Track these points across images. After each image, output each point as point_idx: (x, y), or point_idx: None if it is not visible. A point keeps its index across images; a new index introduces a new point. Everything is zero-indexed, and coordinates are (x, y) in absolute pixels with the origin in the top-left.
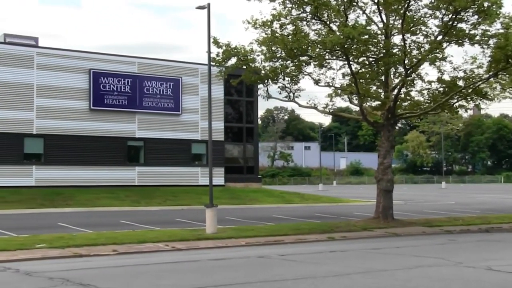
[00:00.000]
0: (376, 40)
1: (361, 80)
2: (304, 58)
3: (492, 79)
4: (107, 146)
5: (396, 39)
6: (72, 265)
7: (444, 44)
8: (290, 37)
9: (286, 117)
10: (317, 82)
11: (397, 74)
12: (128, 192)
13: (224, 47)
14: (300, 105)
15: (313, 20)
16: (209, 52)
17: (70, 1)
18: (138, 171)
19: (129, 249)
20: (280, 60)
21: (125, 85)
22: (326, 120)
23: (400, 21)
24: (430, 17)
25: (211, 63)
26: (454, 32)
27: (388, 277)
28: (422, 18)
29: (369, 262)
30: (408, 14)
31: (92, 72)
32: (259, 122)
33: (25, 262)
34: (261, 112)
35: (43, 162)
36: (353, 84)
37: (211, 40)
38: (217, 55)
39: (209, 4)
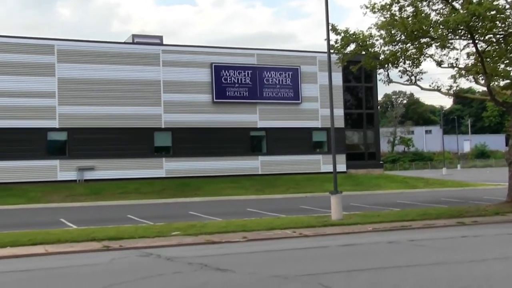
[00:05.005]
0: (504, 16)
1: (488, 59)
2: (425, 39)
3: None
4: (230, 137)
5: None
6: (206, 252)
7: None
8: (410, 19)
9: (405, 102)
10: (439, 63)
11: None
12: (252, 181)
13: (342, 34)
14: (422, 88)
15: (434, 0)
16: (328, 39)
17: (185, 0)
18: (261, 160)
19: (258, 236)
20: (400, 44)
21: (246, 77)
22: (447, 103)
23: None
24: None
25: (330, 50)
26: None
27: None
28: None
29: (506, 247)
30: None
31: (213, 66)
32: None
33: (164, 248)
34: (379, 97)
35: (172, 154)
36: (479, 64)
37: (330, 27)
38: (336, 42)
39: None
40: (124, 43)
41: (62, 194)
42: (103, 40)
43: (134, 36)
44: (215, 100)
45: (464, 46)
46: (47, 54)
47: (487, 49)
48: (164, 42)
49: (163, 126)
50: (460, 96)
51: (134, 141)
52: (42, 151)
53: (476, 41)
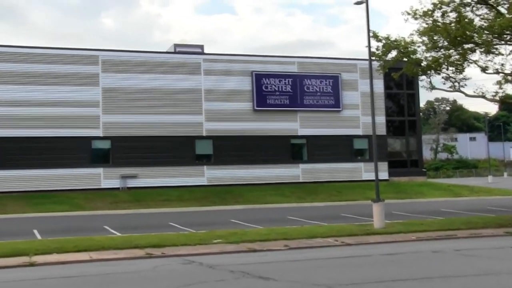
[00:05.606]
0: None
1: None
2: (469, 45)
3: None
4: (271, 145)
5: None
6: (248, 259)
7: None
8: (453, 25)
9: (447, 108)
10: (484, 69)
11: None
12: (293, 189)
13: (383, 41)
14: (466, 95)
15: (478, 5)
16: (369, 46)
17: (224, 9)
18: (302, 168)
19: (300, 244)
20: (442, 50)
21: (286, 85)
22: (492, 109)
23: None
24: None
25: (371, 57)
26: None
27: None
28: None
29: None
30: None
31: (254, 74)
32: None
33: (205, 256)
34: (421, 104)
35: (213, 162)
36: None
37: (371, 34)
38: (377, 49)
39: None
40: (166, 52)
41: (106, 201)
42: (145, 50)
43: (175, 45)
44: (256, 108)
45: (510, 51)
46: (91, 65)
47: None
48: (205, 51)
49: (204, 134)
50: (506, 102)
51: (176, 149)
52: (87, 159)
53: None
